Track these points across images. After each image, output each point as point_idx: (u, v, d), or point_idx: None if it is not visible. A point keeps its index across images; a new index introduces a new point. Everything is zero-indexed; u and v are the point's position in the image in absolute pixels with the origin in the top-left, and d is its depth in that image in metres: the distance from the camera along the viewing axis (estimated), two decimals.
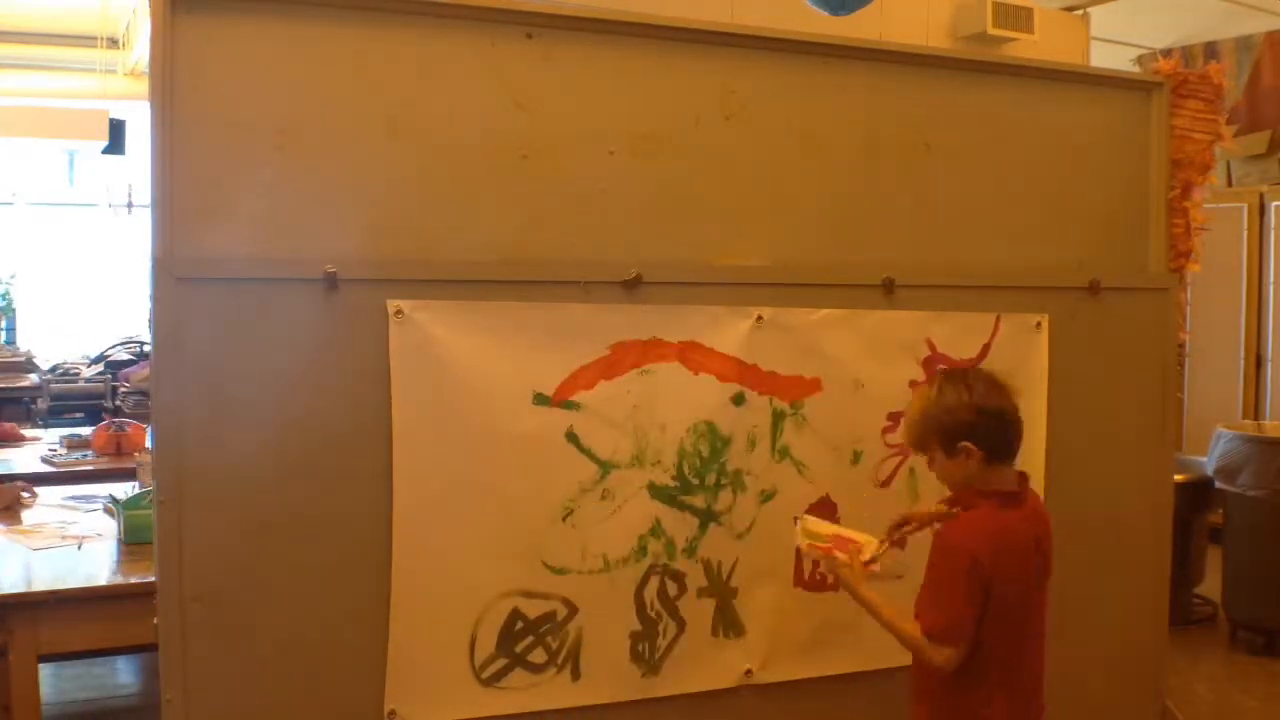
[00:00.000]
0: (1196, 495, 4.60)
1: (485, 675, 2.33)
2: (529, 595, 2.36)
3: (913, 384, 2.69)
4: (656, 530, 2.45)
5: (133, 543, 3.19)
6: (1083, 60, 5.37)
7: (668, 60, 2.47)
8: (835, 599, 2.65)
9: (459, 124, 2.31)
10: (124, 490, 3.66)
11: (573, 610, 2.39)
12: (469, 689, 2.32)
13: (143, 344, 6.66)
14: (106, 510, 3.64)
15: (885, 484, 2.68)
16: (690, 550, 2.49)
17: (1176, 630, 3.47)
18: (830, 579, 2.32)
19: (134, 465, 4.11)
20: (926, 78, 2.72)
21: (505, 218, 2.35)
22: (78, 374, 6.76)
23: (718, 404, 2.49)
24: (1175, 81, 2.99)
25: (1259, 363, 6.14)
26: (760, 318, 2.51)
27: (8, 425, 5.25)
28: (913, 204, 2.71)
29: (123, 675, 4.22)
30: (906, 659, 2.72)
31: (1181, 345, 3.08)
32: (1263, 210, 6.12)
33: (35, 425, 6.16)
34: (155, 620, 2.12)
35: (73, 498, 3.88)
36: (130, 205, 7.35)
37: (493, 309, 2.30)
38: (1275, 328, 6.07)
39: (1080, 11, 5.69)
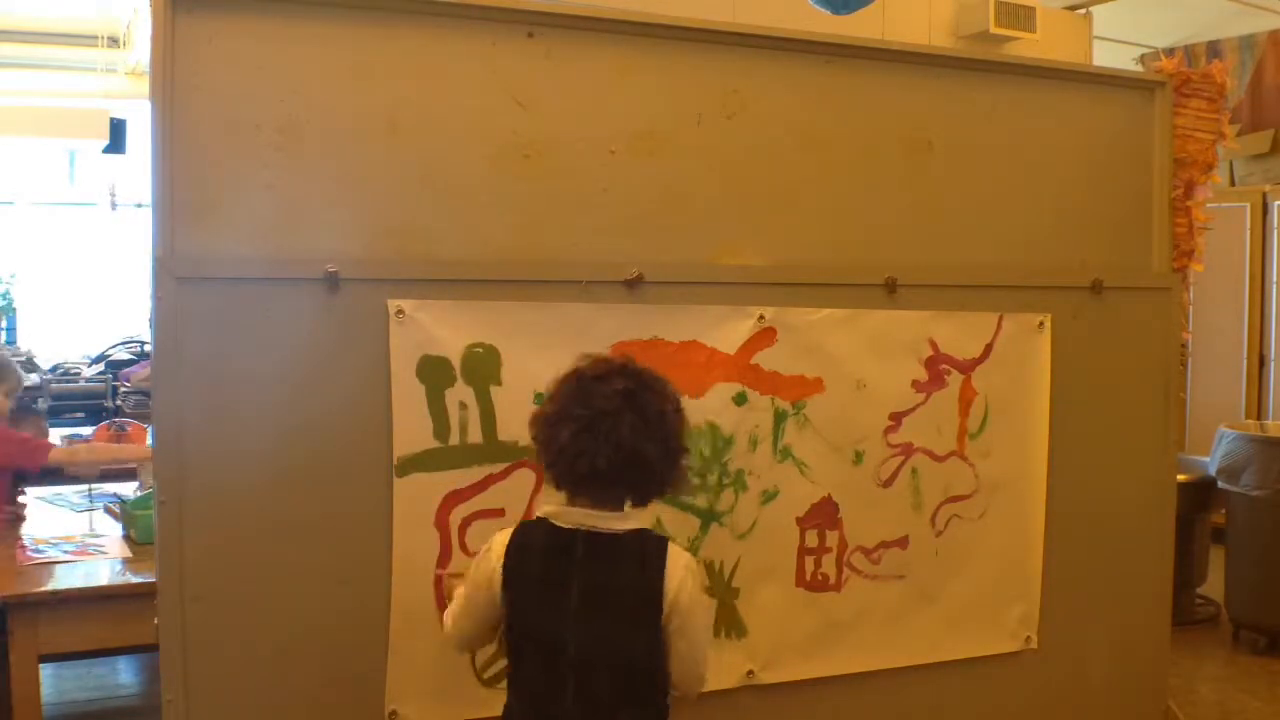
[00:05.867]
0: (1199, 495, 4.59)
1: (486, 675, 2.32)
2: None
3: (915, 384, 2.69)
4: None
5: (145, 543, 3.14)
6: (1085, 59, 5.36)
7: (669, 59, 2.46)
8: (837, 599, 2.65)
9: (460, 123, 2.30)
10: (129, 490, 3.67)
11: None
12: (470, 689, 2.32)
13: (143, 344, 6.65)
14: (108, 510, 3.64)
15: (887, 484, 2.67)
16: (692, 550, 2.47)
17: (1178, 630, 3.45)
18: None
19: (134, 465, 4.10)
20: (928, 77, 2.71)
21: (506, 217, 2.34)
22: (78, 374, 6.75)
23: (719, 404, 2.48)
24: (1178, 80, 2.98)
25: (1262, 362, 6.13)
26: (762, 317, 2.51)
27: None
28: (915, 203, 2.70)
29: (123, 675, 4.21)
30: (908, 659, 2.73)
31: (1184, 345, 3.08)
32: (1265, 210, 6.11)
33: None
34: (155, 620, 2.12)
35: (80, 495, 3.89)
36: (115, 203, 7.32)
37: (494, 309, 2.30)
38: (1278, 327, 6.06)
39: (1083, 10, 5.67)
